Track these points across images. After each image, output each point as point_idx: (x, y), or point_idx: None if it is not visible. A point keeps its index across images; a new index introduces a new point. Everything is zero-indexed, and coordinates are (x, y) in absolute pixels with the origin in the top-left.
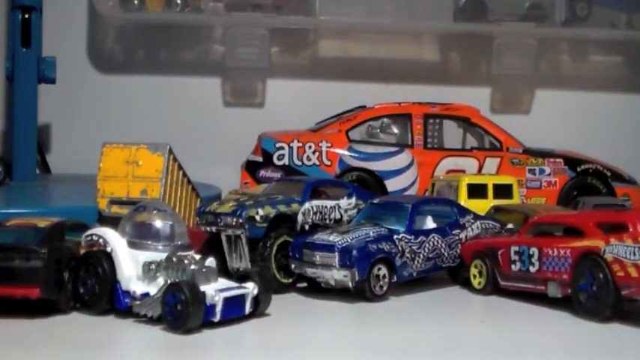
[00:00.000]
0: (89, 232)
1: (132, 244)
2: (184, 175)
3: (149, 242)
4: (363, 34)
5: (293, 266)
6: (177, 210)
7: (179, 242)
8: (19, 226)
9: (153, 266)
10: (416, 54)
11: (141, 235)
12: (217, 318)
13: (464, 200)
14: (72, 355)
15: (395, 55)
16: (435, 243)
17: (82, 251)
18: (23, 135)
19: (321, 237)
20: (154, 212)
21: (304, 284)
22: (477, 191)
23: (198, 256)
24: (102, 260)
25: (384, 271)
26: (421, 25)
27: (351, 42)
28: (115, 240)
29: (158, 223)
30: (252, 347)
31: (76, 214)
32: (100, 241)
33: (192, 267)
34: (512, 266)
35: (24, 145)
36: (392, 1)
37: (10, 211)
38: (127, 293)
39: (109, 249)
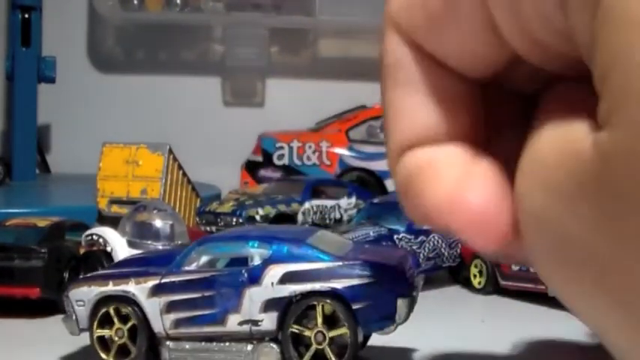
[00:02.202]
0: (89, 231)
1: (132, 244)
2: (184, 174)
3: (149, 242)
4: (363, 34)
5: None
6: (177, 210)
7: (179, 242)
8: (19, 226)
9: None
10: None
11: (141, 235)
12: None
13: None
14: (72, 355)
15: None
16: (435, 243)
17: (82, 251)
18: (23, 135)
19: None
20: (154, 212)
21: None
22: None
23: None
24: (102, 260)
25: None
26: None
27: (351, 41)
28: (115, 239)
29: (158, 223)
30: None
31: (76, 214)
32: (100, 240)
33: None
34: (513, 266)
35: (24, 145)
36: None
37: (10, 210)
38: None
39: (109, 249)
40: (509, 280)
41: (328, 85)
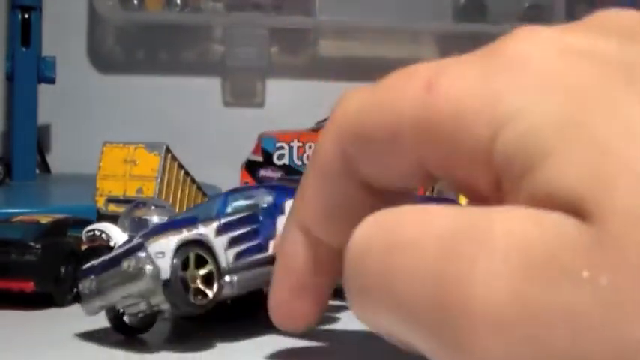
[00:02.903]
0: (89, 227)
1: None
2: (187, 174)
3: None
4: (363, 33)
5: None
6: (179, 209)
7: None
8: (23, 222)
9: None
10: (415, 54)
11: (139, 230)
12: None
13: (464, 200)
14: (72, 353)
15: (395, 55)
16: None
17: (84, 247)
18: (23, 135)
19: None
20: (152, 208)
21: None
22: None
23: None
24: (105, 254)
25: None
26: (421, 25)
27: (351, 42)
28: (117, 234)
29: (155, 219)
30: (250, 345)
31: (77, 214)
32: (103, 236)
33: None
34: None
35: (24, 145)
36: (392, 1)
37: (11, 210)
38: None
39: (112, 243)
40: None
41: (328, 85)
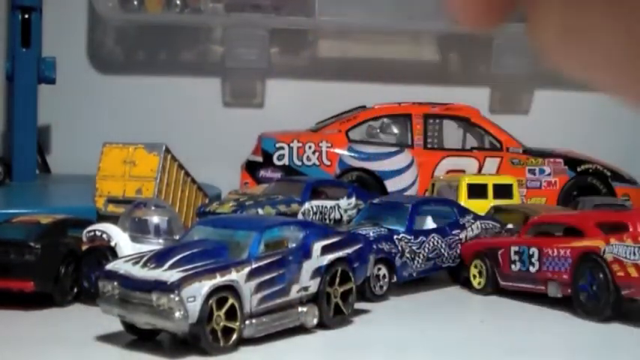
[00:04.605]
0: (90, 227)
1: (134, 239)
2: (187, 174)
3: (149, 237)
4: (362, 34)
5: None
6: (182, 208)
7: (177, 237)
8: (23, 222)
9: None
10: (415, 54)
11: (139, 230)
12: None
13: (464, 200)
14: (72, 352)
15: (394, 55)
16: (435, 243)
17: (84, 247)
18: (23, 135)
19: None
20: (152, 209)
21: None
22: (477, 191)
23: None
24: (107, 255)
25: (384, 271)
26: (420, 26)
27: (350, 42)
28: (118, 234)
29: (155, 219)
30: (247, 344)
31: (76, 214)
32: (104, 236)
33: None
34: (512, 266)
35: (24, 145)
36: (391, 1)
37: (10, 211)
38: None
39: (112, 243)
40: (509, 280)
41: (328, 85)
